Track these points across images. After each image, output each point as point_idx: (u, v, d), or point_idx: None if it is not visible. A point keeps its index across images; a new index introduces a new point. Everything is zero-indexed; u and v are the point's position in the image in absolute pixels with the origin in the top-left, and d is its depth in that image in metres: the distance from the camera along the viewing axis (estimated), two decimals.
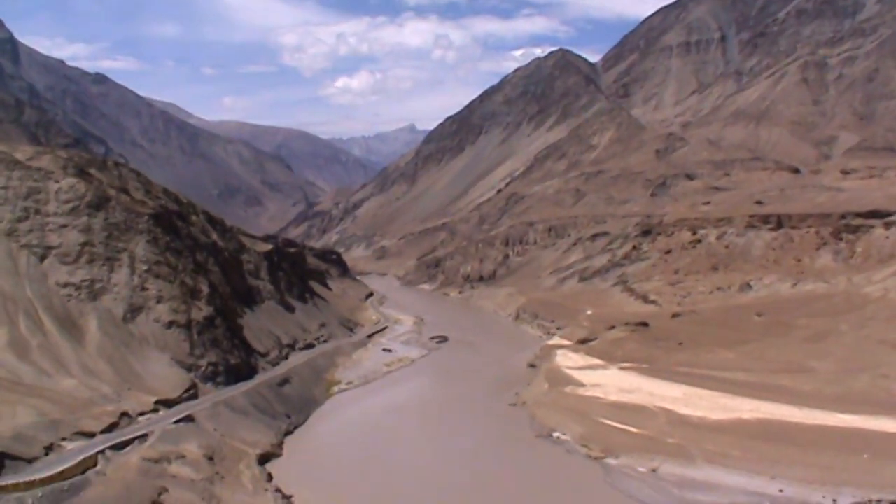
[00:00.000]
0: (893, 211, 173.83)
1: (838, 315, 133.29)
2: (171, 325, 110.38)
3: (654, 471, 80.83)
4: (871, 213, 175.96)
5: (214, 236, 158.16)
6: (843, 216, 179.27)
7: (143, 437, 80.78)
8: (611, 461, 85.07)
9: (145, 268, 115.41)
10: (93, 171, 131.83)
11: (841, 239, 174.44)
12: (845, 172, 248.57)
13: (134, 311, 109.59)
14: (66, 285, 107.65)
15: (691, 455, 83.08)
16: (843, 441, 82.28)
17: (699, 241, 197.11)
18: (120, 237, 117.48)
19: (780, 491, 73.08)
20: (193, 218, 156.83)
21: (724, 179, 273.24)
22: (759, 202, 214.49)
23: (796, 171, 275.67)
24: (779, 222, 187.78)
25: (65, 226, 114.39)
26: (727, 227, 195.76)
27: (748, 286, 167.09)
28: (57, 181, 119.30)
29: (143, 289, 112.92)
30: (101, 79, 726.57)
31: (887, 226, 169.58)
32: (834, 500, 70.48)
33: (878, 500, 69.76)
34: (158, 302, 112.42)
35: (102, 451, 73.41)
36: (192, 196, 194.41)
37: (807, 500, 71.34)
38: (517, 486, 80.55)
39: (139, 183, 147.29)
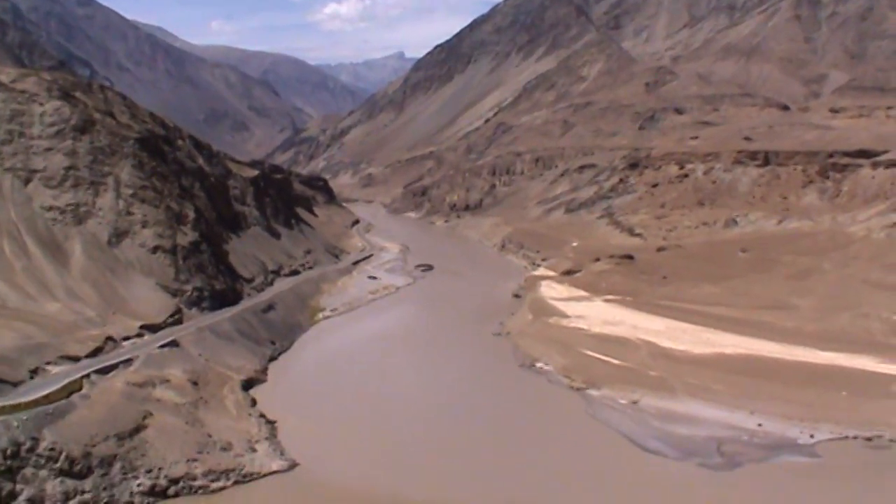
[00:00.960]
0: (881, 151, 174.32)
1: (822, 253, 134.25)
2: (156, 249, 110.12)
3: (635, 403, 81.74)
4: (859, 153, 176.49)
5: (200, 161, 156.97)
6: (830, 155, 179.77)
7: (128, 361, 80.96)
8: (592, 392, 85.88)
9: (130, 192, 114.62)
10: (78, 94, 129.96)
11: (827, 177, 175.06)
12: (834, 111, 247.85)
13: (119, 235, 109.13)
14: (50, 209, 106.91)
15: (672, 388, 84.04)
16: (822, 378, 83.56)
17: (686, 175, 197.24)
18: (105, 161, 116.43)
19: (759, 425, 74.17)
20: (179, 142, 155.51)
21: (713, 114, 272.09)
22: (747, 138, 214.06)
23: (785, 108, 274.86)
24: (766, 159, 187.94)
25: (49, 149, 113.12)
26: (714, 163, 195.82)
27: (734, 222, 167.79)
28: (41, 104, 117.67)
29: (129, 213, 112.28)
30: (86, 0, 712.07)
31: (874, 166, 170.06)
32: (812, 436, 71.68)
33: (855, 437, 71.02)
34: (144, 226, 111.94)
35: (87, 375, 73.58)
36: (178, 121, 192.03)
37: (785, 434, 72.55)
38: (498, 415, 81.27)
39: (125, 107, 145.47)
